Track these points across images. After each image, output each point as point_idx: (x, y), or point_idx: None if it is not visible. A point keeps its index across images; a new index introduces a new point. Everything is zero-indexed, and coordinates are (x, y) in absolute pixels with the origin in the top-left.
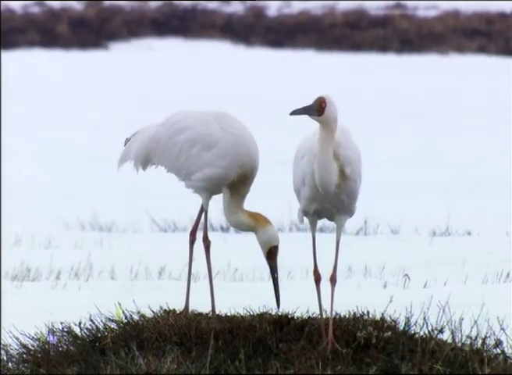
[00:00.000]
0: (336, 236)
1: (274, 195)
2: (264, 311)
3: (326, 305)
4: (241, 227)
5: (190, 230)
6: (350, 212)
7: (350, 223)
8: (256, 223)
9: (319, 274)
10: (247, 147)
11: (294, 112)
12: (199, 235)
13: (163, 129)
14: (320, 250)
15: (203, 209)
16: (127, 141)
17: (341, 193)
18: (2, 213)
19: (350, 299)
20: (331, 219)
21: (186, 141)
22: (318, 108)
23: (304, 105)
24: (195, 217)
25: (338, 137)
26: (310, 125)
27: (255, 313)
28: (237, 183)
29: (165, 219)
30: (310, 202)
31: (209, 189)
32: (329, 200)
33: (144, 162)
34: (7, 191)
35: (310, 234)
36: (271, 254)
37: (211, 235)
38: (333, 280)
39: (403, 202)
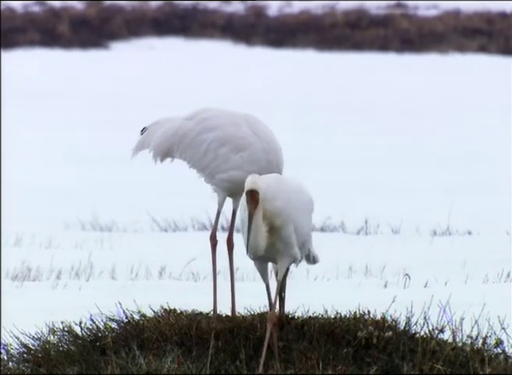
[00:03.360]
0: (278, 276)
1: None
2: (265, 311)
3: (324, 302)
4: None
5: (209, 234)
6: (290, 256)
7: (351, 223)
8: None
9: (276, 317)
10: (277, 155)
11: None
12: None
13: (190, 124)
14: (319, 249)
15: (219, 212)
16: (144, 130)
17: (275, 242)
18: (2, 213)
19: (351, 299)
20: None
21: (216, 140)
22: (256, 204)
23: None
24: (196, 217)
25: (264, 189)
26: (309, 124)
27: (256, 313)
28: None
29: (166, 219)
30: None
31: (231, 190)
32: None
33: (165, 154)
34: (7, 191)
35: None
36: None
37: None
38: (273, 320)
39: (404, 202)
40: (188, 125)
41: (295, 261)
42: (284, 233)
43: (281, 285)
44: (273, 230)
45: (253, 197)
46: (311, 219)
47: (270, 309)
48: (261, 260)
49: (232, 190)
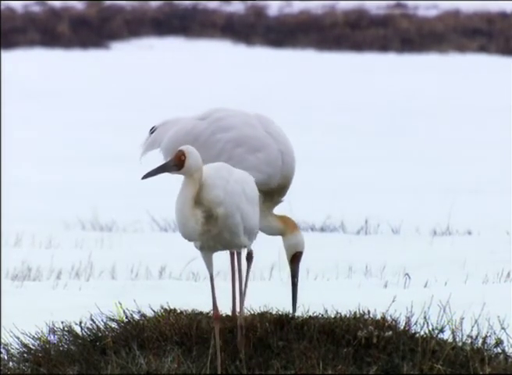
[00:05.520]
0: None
1: None
2: (265, 310)
3: (324, 302)
4: (270, 232)
5: None
6: (238, 246)
7: (351, 223)
8: (286, 227)
9: (219, 315)
10: (291, 157)
11: (147, 176)
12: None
13: (204, 124)
14: (319, 249)
15: None
16: (153, 129)
17: (222, 231)
18: (2, 213)
19: (351, 299)
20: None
21: (231, 141)
22: (177, 163)
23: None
24: None
25: (203, 179)
26: (309, 124)
27: (256, 312)
28: (274, 191)
29: (166, 219)
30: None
31: None
32: (211, 238)
33: None
34: (7, 191)
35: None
36: (295, 259)
37: None
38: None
39: (404, 202)
40: (202, 125)
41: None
42: (231, 222)
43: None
44: (214, 218)
45: (179, 158)
46: (257, 211)
47: (214, 307)
48: (207, 250)
49: None
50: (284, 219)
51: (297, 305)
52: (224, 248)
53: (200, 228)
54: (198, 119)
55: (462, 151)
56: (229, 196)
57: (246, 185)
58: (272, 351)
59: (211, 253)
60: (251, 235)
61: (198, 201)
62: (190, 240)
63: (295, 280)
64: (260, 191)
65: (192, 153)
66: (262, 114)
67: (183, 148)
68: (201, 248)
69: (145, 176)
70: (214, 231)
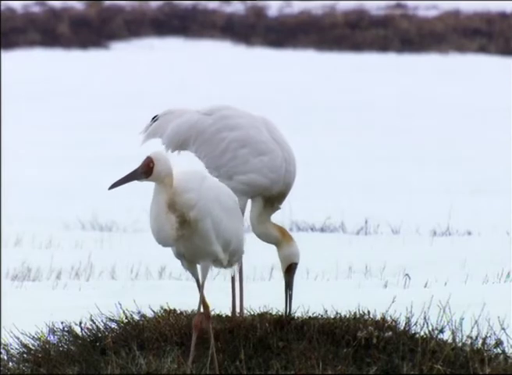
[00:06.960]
0: (200, 277)
1: None
2: (265, 311)
3: (324, 302)
4: (267, 239)
5: None
6: (210, 254)
7: (351, 223)
8: (283, 238)
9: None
10: (294, 165)
11: (115, 185)
12: None
13: (209, 120)
14: (319, 249)
15: None
16: (156, 118)
17: (192, 236)
18: (2, 213)
19: (351, 299)
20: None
21: (236, 141)
22: (145, 170)
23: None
24: None
25: (176, 183)
26: (309, 124)
27: (256, 313)
28: (275, 197)
29: None
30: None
31: (249, 194)
32: (182, 244)
33: (179, 146)
34: (7, 191)
35: (304, 235)
36: (290, 270)
37: None
38: (197, 326)
39: (404, 202)
40: (207, 120)
41: (219, 262)
42: (202, 226)
43: (287, 283)
44: (187, 223)
45: (147, 166)
46: (239, 222)
47: (198, 309)
48: (184, 260)
49: (251, 193)
50: (281, 230)
51: (292, 310)
52: (199, 258)
53: (175, 233)
54: (203, 113)
55: (462, 151)
56: (202, 200)
57: (220, 193)
58: (271, 352)
59: (190, 265)
60: (227, 248)
61: (172, 206)
62: (164, 245)
63: (290, 292)
64: (261, 196)
65: (160, 160)
66: (268, 118)
67: (151, 154)
68: (178, 256)
69: (113, 186)
70: (187, 236)
